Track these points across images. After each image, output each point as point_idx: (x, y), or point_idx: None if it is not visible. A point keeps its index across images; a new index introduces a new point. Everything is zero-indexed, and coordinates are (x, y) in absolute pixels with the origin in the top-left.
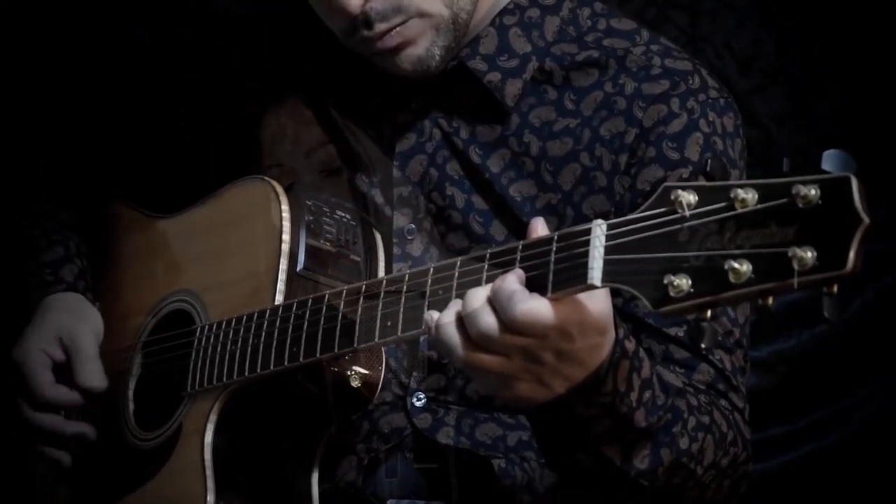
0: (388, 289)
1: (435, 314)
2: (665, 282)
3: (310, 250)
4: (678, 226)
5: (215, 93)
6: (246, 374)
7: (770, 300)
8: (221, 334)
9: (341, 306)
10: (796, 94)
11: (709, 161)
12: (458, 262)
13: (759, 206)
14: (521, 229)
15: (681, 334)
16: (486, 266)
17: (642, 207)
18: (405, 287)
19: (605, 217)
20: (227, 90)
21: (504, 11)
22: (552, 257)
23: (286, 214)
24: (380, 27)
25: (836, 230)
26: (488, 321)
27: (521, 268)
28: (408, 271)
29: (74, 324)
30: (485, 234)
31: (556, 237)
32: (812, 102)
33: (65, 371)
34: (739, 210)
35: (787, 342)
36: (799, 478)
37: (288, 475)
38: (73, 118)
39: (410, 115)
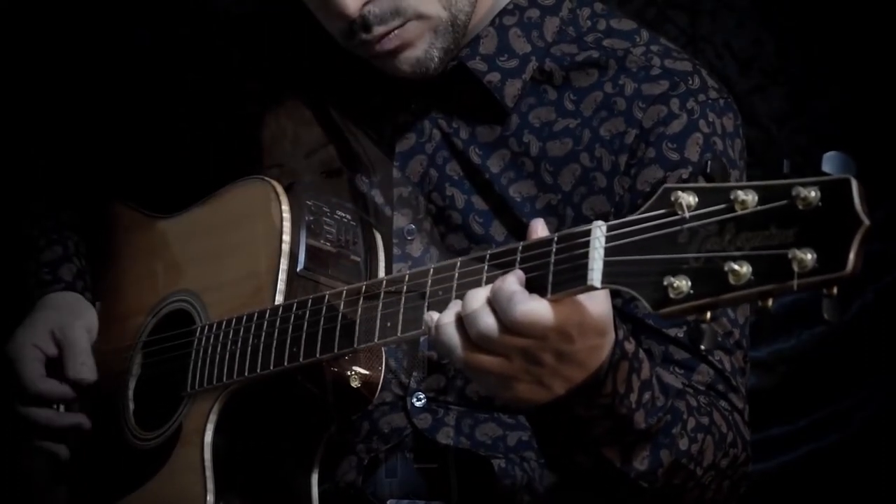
0: (388, 289)
1: (435, 315)
2: (665, 283)
3: (310, 250)
4: (678, 227)
5: (215, 93)
6: (246, 374)
7: (770, 302)
8: (221, 334)
9: (341, 307)
10: (796, 94)
11: (709, 162)
12: (458, 263)
13: (759, 207)
14: (520, 230)
15: (680, 335)
16: (486, 267)
17: (642, 209)
18: (405, 287)
19: (604, 218)
20: (228, 90)
21: (504, 12)
22: (552, 258)
23: (286, 214)
24: (378, 30)
25: (836, 232)
26: (488, 322)
27: (521, 269)
28: (408, 272)
29: (67, 319)
30: (485, 235)
31: (555, 238)
32: (812, 102)
33: (57, 365)
34: (739, 212)
35: (787, 342)
36: (799, 478)
37: (288, 475)
38: (73, 118)
39: (410, 116)
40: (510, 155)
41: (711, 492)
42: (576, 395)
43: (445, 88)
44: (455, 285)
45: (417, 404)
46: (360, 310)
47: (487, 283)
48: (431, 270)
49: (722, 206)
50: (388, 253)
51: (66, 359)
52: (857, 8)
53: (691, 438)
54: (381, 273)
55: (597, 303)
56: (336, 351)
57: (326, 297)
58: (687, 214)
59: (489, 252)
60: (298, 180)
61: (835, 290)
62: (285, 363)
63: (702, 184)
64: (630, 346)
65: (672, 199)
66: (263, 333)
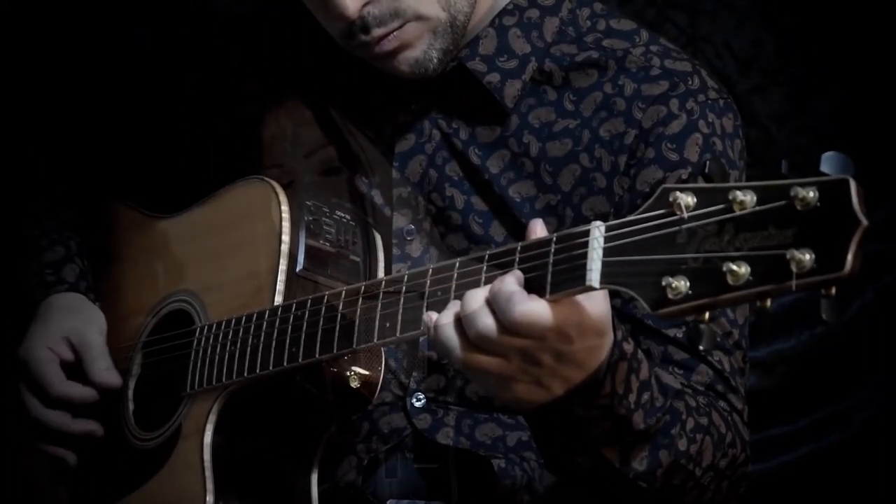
0: (387, 289)
1: (434, 315)
2: (663, 283)
3: (309, 250)
4: (677, 227)
5: (215, 93)
6: (245, 374)
7: (768, 302)
8: (221, 334)
9: (340, 307)
10: (796, 94)
11: (708, 162)
12: (457, 263)
13: (757, 208)
14: (520, 230)
15: (679, 335)
16: (485, 267)
17: (641, 209)
18: (404, 288)
19: (604, 218)
20: (227, 90)
21: (503, 12)
22: (551, 259)
23: (286, 215)
24: (377, 31)
25: (834, 232)
26: (487, 322)
27: (520, 269)
28: (407, 272)
29: (81, 324)
30: (484, 235)
31: (554, 238)
32: (812, 102)
33: (73, 370)
34: (738, 212)
35: (787, 343)
36: (799, 478)
37: (288, 475)
38: (74, 118)
39: (410, 116)
40: (510, 155)
41: (710, 492)
42: (574, 395)
43: (445, 89)
44: (454, 285)
45: (417, 404)
46: (359, 310)
47: (486, 283)
48: (430, 271)
49: (720, 206)
50: (388, 253)
51: (87, 364)
52: (857, 8)
53: (690, 439)
54: (381, 273)
55: (595, 303)
56: (335, 351)
57: (326, 297)
58: (685, 215)
59: (488, 252)
60: (298, 180)
61: (833, 291)
62: (285, 363)
63: (700, 184)
64: (629, 347)
65: (671, 199)
66: (263, 334)
